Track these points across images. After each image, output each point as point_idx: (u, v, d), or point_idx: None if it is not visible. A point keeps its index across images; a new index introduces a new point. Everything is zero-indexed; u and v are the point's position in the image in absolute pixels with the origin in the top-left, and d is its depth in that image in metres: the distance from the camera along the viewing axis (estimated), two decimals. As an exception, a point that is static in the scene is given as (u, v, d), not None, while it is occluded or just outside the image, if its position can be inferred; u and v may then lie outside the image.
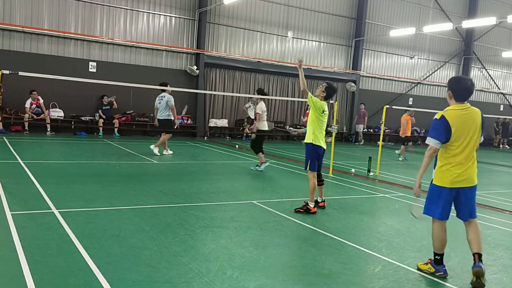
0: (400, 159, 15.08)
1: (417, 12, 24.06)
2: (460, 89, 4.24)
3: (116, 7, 16.86)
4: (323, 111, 6.62)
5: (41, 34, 15.76)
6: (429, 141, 4.23)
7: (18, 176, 7.73)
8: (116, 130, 16.61)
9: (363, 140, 21.89)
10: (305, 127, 7.08)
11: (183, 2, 18.19)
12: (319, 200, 6.95)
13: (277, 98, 20.16)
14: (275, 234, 5.48)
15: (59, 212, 5.59)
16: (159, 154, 11.80)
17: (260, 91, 11.06)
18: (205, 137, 18.58)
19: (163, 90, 11.89)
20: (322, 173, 7.06)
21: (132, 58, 17.43)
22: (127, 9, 17.09)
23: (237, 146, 15.67)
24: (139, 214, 5.85)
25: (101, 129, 16.36)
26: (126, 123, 17.19)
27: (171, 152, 12.20)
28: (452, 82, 4.33)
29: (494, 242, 5.78)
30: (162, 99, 11.87)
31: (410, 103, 24.29)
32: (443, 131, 4.16)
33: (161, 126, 12.12)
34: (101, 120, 16.37)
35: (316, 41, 21.55)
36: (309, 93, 6.61)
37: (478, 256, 4.20)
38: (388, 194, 8.69)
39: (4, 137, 13.05)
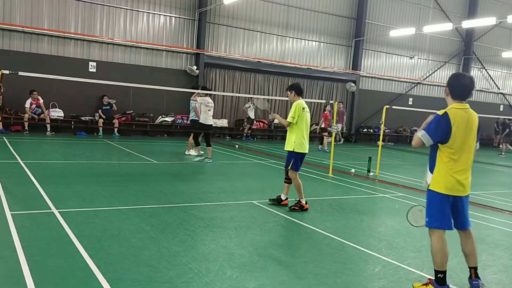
0: None
1: (417, 12, 24.06)
2: (457, 85, 3.92)
3: (116, 7, 16.85)
4: (303, 108, 6.71)
5: (41, 34, 15.75)
6: (423, 135, 3.90)
7: (18, 176, 7.73)
8: (116, 130, 16.61)
9: (342, 140, 21.24)
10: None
11: (183, 2, 18.19)
12: (283, 198, 6.95)
13: (277, 98, 20.16)
14: (275, 234, 5.49)
15: (59, 212, 5.60)
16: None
17: (202, 88, 12.33)
18: (205, 137, 18.55)
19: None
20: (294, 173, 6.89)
21: (132, 58, 17.42)
22: (127, 9, 17.08)
23: (237, 146, 15.67)
24: (139, 214, 5.86)
25: (101, 129, 16.36)
26: (126, 123, 17.18)
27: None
28: (450, 78, 4.02)
29: (494, 242, 5.78)
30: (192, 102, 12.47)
31: (410, 103, 24.30)
32: (442, 129, 3.82)
33: (192, 127, 12.79)
34: (101, 120, 16.36)
35: (316, 41, 21.55)
36: (292, 115, 6.67)
37: (474, 271, 4.04)
38: (388, 194, 8.70)
39: (4, 137, 13.04)
